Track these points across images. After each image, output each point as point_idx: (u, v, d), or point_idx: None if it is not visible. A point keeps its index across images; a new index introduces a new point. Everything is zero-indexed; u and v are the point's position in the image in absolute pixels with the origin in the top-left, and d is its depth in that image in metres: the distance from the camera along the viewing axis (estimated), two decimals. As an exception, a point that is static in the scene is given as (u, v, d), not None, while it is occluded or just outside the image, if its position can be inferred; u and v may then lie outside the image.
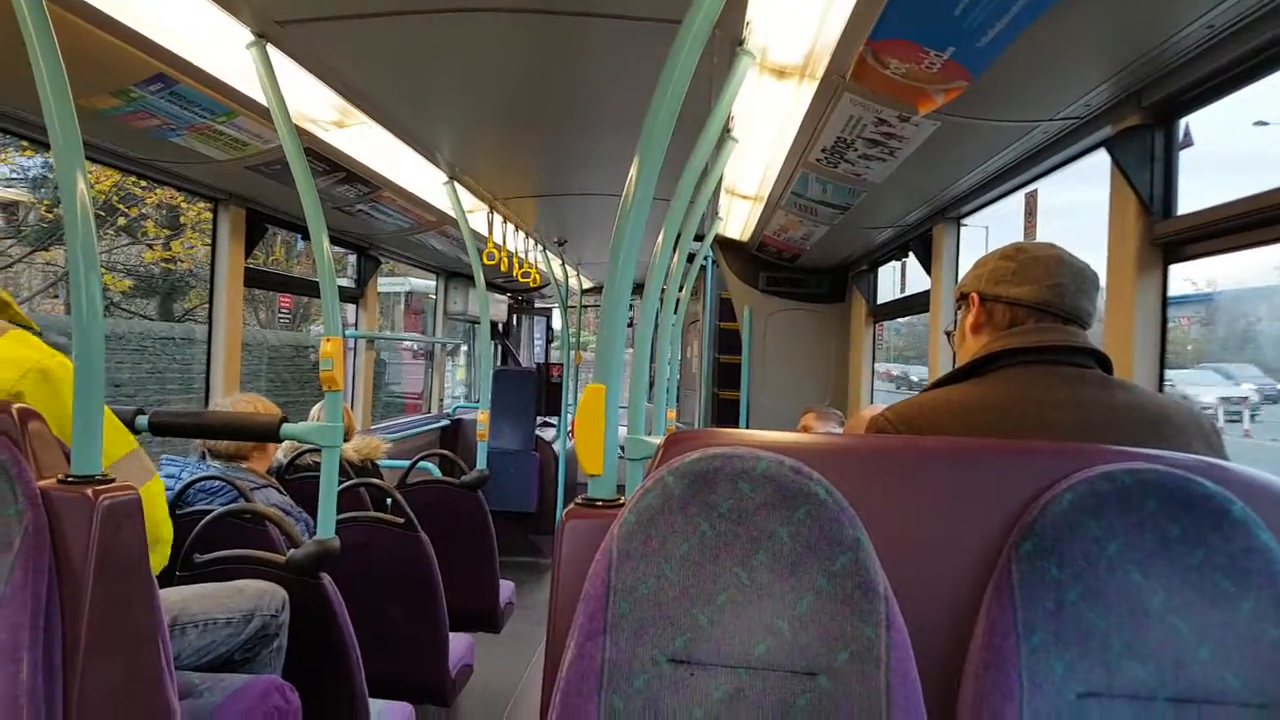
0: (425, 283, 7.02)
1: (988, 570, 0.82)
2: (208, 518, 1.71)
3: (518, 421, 5.09)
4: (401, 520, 2.19)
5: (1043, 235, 2.13)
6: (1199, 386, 7.43)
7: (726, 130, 2.03)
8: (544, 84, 2.00)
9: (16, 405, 1.03)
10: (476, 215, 3.28)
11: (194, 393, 6.71)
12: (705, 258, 3.98)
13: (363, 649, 1.70)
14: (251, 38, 1.55)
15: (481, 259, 3.01)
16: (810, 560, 0.77)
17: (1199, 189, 1.54)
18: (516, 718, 2.90)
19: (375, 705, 1.82)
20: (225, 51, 1.63)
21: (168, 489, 1.70)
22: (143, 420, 1.63)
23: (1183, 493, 0.78)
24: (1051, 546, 0.79)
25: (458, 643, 2.40)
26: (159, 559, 1.24)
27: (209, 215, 2.90)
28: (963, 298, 1.18)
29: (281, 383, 7.92)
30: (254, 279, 2.93)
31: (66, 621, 0.97)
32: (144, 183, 7.21)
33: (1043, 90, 1.57)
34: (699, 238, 2.85)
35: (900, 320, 4.05)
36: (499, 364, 6.16)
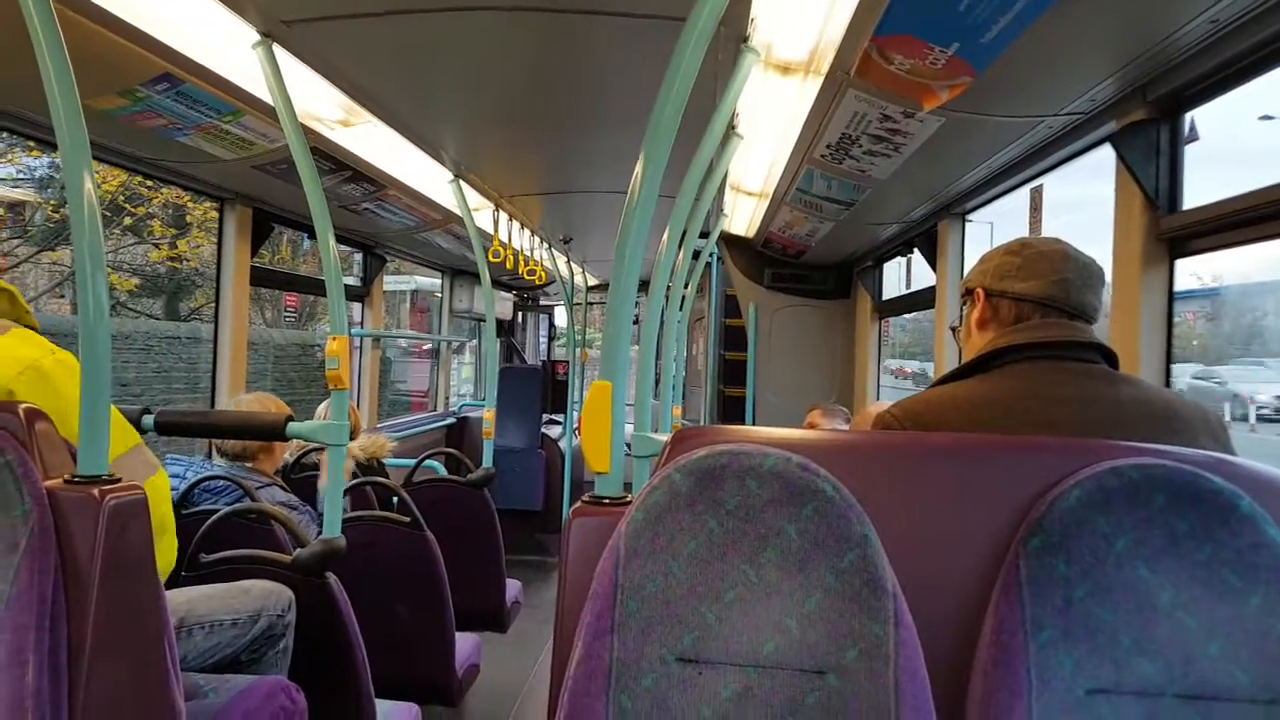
0: (431, 281, 7.03)
1: (995, 566, 0.82)
2: (213, 517, 1.72)
3: (523, 419, 5.09)
4: (407, 519, 2.19)
5: (1048, 230, 2.12)
6: (1251, 384, 7.14)
7: (731, 127, 2.03)
8: (549, 82, 2.00)
9: (23, 405, 1.02)
10: (482, 213, 3.28)
11: (200, 392, 6.74)
12: (710, 254, 3.97)
13: (369, 649, 1.70)
14: (257, 37, 1.55)
15: (487, 257, 3.02)
16: (818, 557, 0.77)
17: (1204, 183, 1.54)
18: (523, 718, 2.90)
19: (381, 705, 1.82)
20: (231, 51, 1.63)
21: (173, 489, 1.71)
22: (149, 420, 1.63)
23: (1190, 488, 0.77)
24: (1059, 543, 0.79)
25: (464, 642, 2.40)
26: (165, 551, 1.24)
27: (215, 214, 2.90)
28: (968, 293, 1.18)
29: (287, 381, 7.94)
30: (260, 278, 2.94)
31: (72, 623, 0.96)
32: (150, 182, 7.23)
33: (1047, 86, 1.57)
34: (704, 234, 2.85)
35: (906, 316, 4.04)
36: (504, 362, 6.16)
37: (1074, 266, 1.09)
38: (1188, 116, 1.56)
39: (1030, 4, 1.20)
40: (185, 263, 8.59)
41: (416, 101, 2.10)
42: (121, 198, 7.67)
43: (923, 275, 3.05)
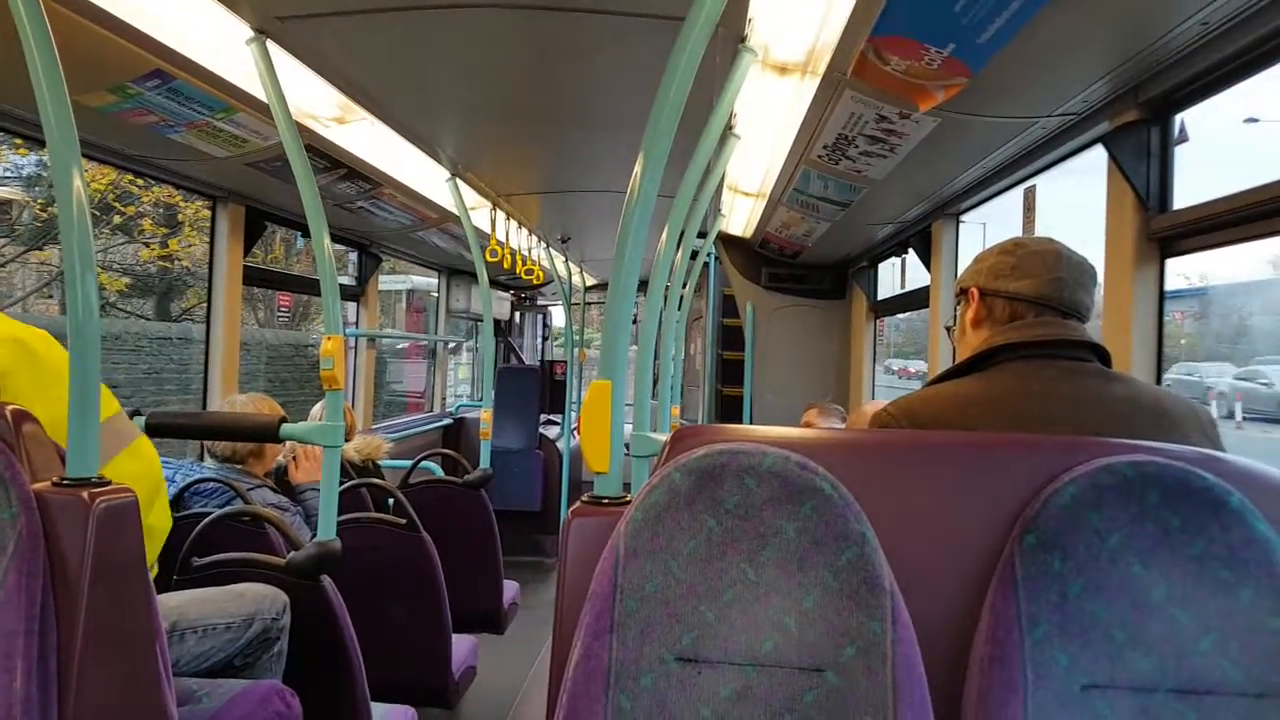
0: (427, 280, 7.00)
1: (991, 563, 0.82)
2: (205, 520, 1.70)
3: (521, 419, 5.07)
4: (404, 521, 2.17)
5: (1041, 230, 2.13)
6: (1218, 377, 7.16)
7: (729, 127, 2.03)
8: (547, 81, 2.00)
9: (11, 407, 1.01)
10: (479, 212, 3.27)
11: (192, 393, 6.70)
12: (708, 254, 3.98)
13: (364, 651, 1.68)
14: (251, 33, 1.54)
15: (484, 256, 3.01)
16: (816, 556, 0.78)
17: (1194, 183, 1.55)
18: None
19: (377, 709, 1.81)
20: (224, 47, 1.62)
21: None
22: (140, 421, 1.61)
23: (1182, 485, 0.78)
24: (1054, 539, 0.79)
25: (461, 644, 2.38)
26: (159, 512, 1.22)
27: (207, 213, 2.89)
28: (962, 293, 1.19)
29: (281, 382, 7.90)
30: (253, 277, 2.92)
31: (62, 627, 0.95)
32: (141, 180, 7.19)
33: (1041, 87, 1.58)
34: (702, 234, 2.85)
35: (900, 316, 4.06)
36: (502, 362, 6.15)
37: (1067, 265, 1.10)
38: (1178, 118, 1.57)
39: (1025, 5, 1.20)
40: (177, 262, 8.53)
41: (413, 99, 2.09)
42: (111, 196, 7.61)
43: (917, 275, 3.07)
